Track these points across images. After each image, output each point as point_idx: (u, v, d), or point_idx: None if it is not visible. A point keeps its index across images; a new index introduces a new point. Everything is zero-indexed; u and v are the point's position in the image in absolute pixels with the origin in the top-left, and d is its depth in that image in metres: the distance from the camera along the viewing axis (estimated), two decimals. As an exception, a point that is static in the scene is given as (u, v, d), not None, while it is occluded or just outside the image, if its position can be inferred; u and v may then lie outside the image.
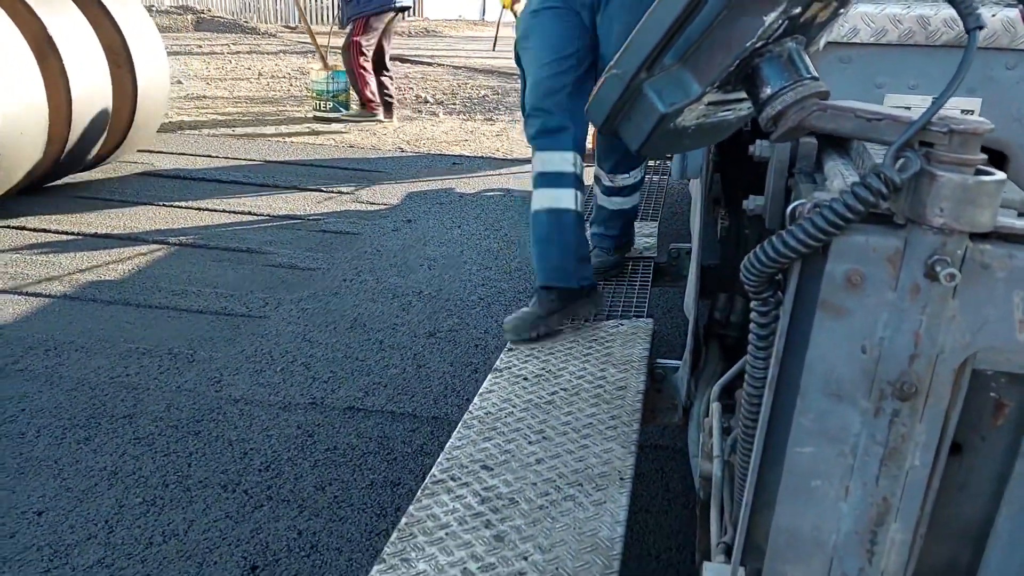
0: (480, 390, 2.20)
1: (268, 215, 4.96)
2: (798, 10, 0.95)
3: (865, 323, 0.94)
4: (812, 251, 0.93)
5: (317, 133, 7.31)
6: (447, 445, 1.92)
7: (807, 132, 1.00)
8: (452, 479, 1.78)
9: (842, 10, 1.04)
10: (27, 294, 3.73)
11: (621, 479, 1.80)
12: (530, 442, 1.94)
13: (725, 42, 0.98)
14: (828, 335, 0.96)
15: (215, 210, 5.02)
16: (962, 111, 1.97)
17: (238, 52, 12.36)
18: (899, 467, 0.97)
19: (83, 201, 5.04)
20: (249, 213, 4.98)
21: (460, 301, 3.82)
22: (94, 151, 5.09)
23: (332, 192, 5.48)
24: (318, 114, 7.77)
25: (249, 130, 7.31)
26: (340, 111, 7.70)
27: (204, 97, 8.81)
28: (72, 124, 4.65)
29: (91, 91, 4.74)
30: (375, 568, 1.49)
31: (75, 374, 3.08)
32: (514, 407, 2.10)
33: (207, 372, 3.12)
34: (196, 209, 5.02)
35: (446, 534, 1.60)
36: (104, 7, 4.95)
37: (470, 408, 2.10)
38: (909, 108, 1.95)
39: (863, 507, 0.99)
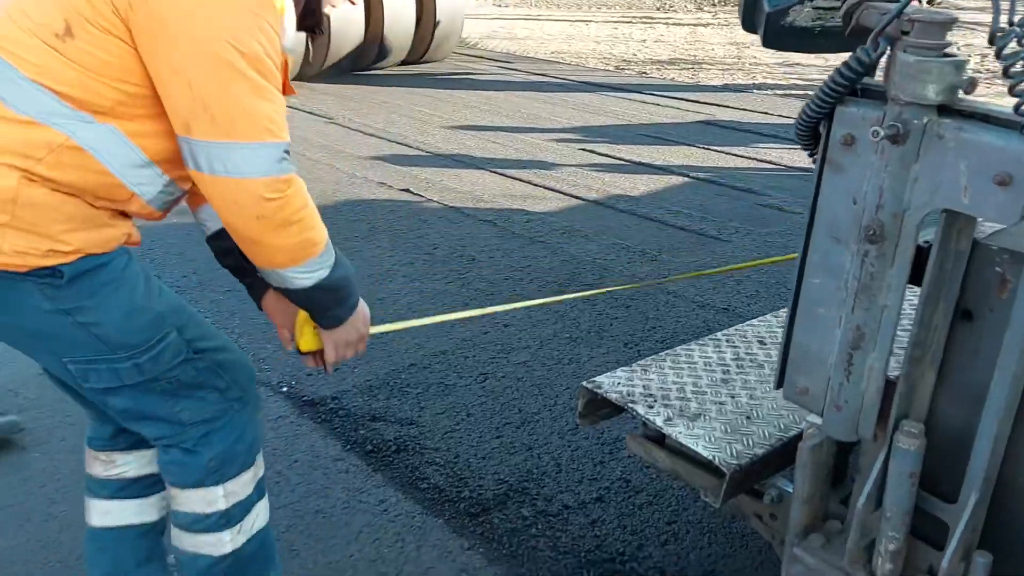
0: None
1: (785, 166, 5.38)
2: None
3: (856, 179, 1.19)
4: (822, 115, 1.21)
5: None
6: (753, 320, 2.29)
7: (865, 29, 1.23)
8: (727, 341, 2.18)
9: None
10: (574, 196, 4.87)
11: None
12: (816, 338, 2.19)
13: (812, -41, 1.27)
14: (832, 187, 1.22)
15: (740, 156, 5.63)
16: None
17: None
18: (871, 301, 1.19)
19: (647, 138, 6.10)
20: (770, 163, 5.47)
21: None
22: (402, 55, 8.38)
23: (861, 154, 5.61)
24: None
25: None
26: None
27: (797, 64, 9.32)
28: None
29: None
30: (619, 369, 2.02)
31: (573, 251, 4.06)
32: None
33: (658, 268, 3.83)
34: (726, 153, 5.69)
35: (688, 367, 2.04)
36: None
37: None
38: None
39: (844, 332, 1.23)
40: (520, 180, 5.17)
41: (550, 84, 8.06)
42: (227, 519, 1.68)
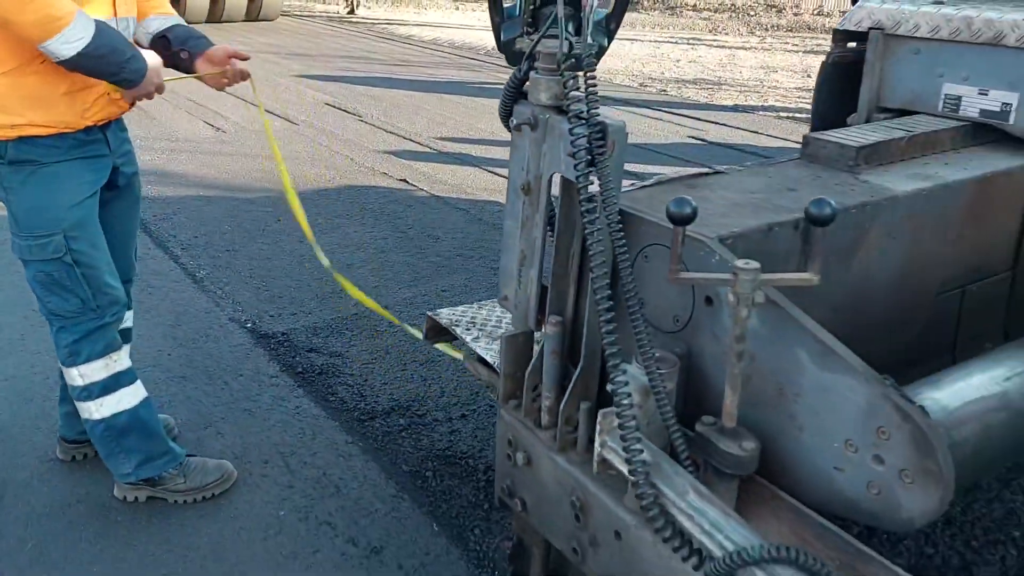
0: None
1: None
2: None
3: (522, 153, 1.80)
4: (509, 109, 1.82)
5: None
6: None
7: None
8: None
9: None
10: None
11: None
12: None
13: None
14: (516, 160, 1.84)
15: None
16: (1002, 104, 2.10)
17: None
18: (528, 234, 1.80)
19: (632, 149, 6.67)
20: (735, 176, 6.00)
21: None
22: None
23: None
24: None
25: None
26: None
27: (810, 89, 9.72)
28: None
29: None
30: (462, 305, 2.64)
31: (524, 239, 4.68)
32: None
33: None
34: (693, 165, 6.24)
35: (515, 308, 2.65)
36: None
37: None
38: (960, 97, 2.15)
39: (517, 255, 1.84)
40: (504, 177, 5.80)
41: (568, 96, 8.67)
42: (87, 393, 2.31)
